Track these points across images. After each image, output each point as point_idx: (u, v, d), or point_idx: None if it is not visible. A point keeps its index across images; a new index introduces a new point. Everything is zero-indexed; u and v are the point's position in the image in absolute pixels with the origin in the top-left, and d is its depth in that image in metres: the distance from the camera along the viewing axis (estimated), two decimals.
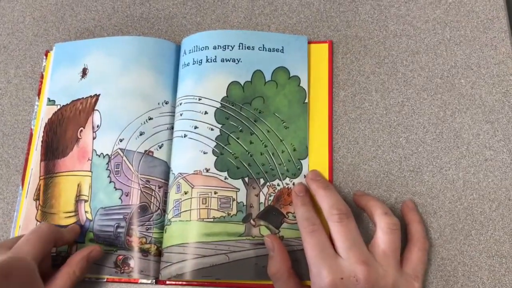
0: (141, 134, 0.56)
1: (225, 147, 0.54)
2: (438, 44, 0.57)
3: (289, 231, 0.53)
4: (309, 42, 0.58)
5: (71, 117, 0.58)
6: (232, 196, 0.53)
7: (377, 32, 0.59)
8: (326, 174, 0.54)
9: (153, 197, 0.54)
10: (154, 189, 0.55)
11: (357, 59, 0.58)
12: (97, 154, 0.56)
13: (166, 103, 0.57)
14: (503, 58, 0.56)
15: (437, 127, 0.54)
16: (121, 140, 0.56)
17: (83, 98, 0.59)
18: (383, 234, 0.47)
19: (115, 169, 0.55)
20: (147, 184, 0.55)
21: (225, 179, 0.54)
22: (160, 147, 0.56)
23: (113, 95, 0.58)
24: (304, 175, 0.54)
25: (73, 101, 0.59)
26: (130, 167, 0.55)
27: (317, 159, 0.55)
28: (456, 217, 0.52)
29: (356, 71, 0.57)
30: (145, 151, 0.55)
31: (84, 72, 0.60)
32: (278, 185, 0.54)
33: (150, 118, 0.56)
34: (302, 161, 0.54)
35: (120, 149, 0.56)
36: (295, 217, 0.52)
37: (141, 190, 0.54)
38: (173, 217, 0.53)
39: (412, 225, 0.50)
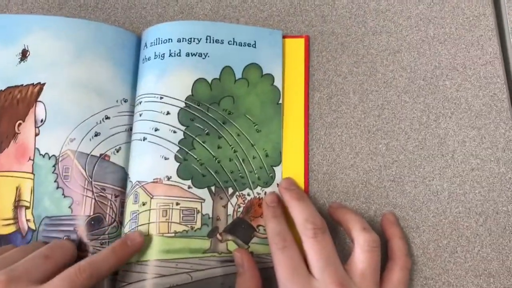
0: (96, 135, 0.47)
1: (189, 152, 0.46)
2: (421, 42, 0.50)
3: (260, 246, 0.46)
4: (284, 37, 0.51)
5: (6, 107, 0.48)
6: (196, 208, 0.46)
7: (355, 28, 0.51)
8: (301, 183, 0.47)
9: (108, 208, 0.46)
10: (109, 198, 0.46)
11: (333, 57, 0.50)
12: (40, 154, 0.47)
13: (125, 101, 0.49)
14: (490, 59, 0.49)
15: (420, 133, 0.48)
16: (71, 140, 0.47)
17: (22, 85, 0.49)
18: (362, 252, 0.41)
19: (64, 174, 0.46)
20: (101, 192, 0.46)
21: (188, 188, 0.46)
22: (117, 151, 0.48)
23: (61, 86, 0.48)
24: (277, 184, 0.47)
25: (8, 87, 0.49)
26: (83, 172, 0.46)
27: (291, 166, 0.47)
28: (441, 232, 0.45)
29: (332, 70, 0.50)
30: (101, 154, 0.47)
31: (24, 55, 0.50)
32: (249, 195, 0.47)
33: (107, 117, 0.48)
34: (275, 168, 0.47)
35: (71, 150, 0.47)
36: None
37: (95, 199, 0.46)
38: (130, 230, 0.45)
39: (393, 241, 0.44)
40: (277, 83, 0.49)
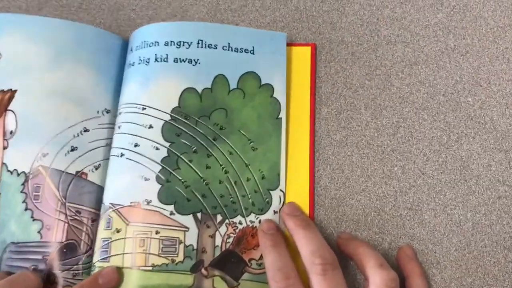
0: (72, 150, 0.41)
1: (173, 172, 0.40)
2: (440, 54, 0.45)
3: (252, 284, 0.39)
4: (288, 44, 0.45)
5: None
6: (178, 238, 0.40)
7: (368, 37, 0.46)
8: (306, 209, 0.41)
9: (83, 233, 0.40)
10: (85, 222, 0.40)
11: (343, 68, 0.45)
12: (8, 170, 0.41)
13: (107, 112, 0.43)
14: None
15: (440, 155, 0.42)
16: (44, 155, 0.41)
17: None
18: None
19: (34, 193, 0.40)
20: (76, 215, 0.40)
21: (170, 214, 0.40)
22: (96, 168, 0.42)
23: (35, 94, 0.42)
24: (274, 211, 0.41)
25: None
26: (56, 192, 0.40)
27: (295, 190, 0.42)
28: (464, 269, 0.40)
29: (341, 83, 0.44)
30: (77, 172, 0.41)
31: None
32: (240, 223, 0.41)
33: (86, 130, 0.42)
34: (272, 192, 0.41)
35: (43, 166, 0.41)
36: (260, 265, 0.39)
37: (68, 223, 0.40)
38: (98, 260, 0.39)
39: (412, 279, 0.38)
40: (278, 94, 0.43)
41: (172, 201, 0.40)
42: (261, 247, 0.39)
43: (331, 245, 0.38)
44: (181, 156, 0.41)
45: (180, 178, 0.40)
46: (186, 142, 0.41)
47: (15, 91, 0.42)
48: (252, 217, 0.41)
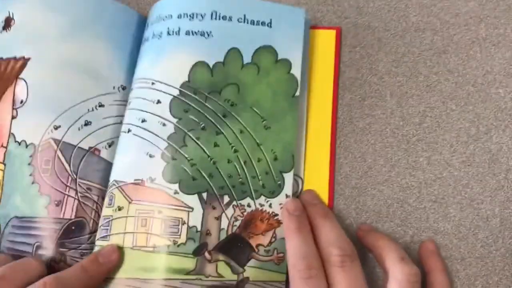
0: (86, 124, 0.40)
1: (179, 149, 0.38)
2: (470, 43, 0.43)
3: (258, 272, 0.37)
4: (312, 27, 0.43)
5: None
6: (181, 218, 0.37)
7: (395, 23, 0.44)
8: (325, 198, 0.39)
9: (93, 211, 0.38)
10: (95, 200, 0.39)
11: (368, 54, 0.43)
12: (16, 141, 0.39)
13: (123, 89, 0.42)
14: None
15: (468, 147, 0.40)
16: (56, 128, 0.39)
17: (1, 58, 0.41)
18: None
19: (44, 167, 0.38)
20: (87, 192, 0.39)
21: (174, 193, 0.37)
22: (109, 145, 0.40)
23: (49, 63, 0.40)
24: (286, 194, 0.38)
25: None
26: (66, 166, 0.38)
27: (314, 178, 0.40)
28: (491, 267, 0.38)
29: (367, 69, 0.43)
30: (90, 148, 0.39)
31: (8, 23, 0.42)
32: (249, 205, 0.38)
33: (101, 105, 0.40)
34: (285, 174, 0.39)
35: (54, 139, 0.39)
36: (268, 252, 0.37)
37: (78, 199, 0.38)
38: (99, 239, 0.37)
39: (434, 274, 0.36)
40: (295, 71, 0.40)
41: (177, 180, 0.38)
42: (284, 230, 0.37)
43: (350, 236, 0.37)
44: (189, 133, 0.38)
45: (186, 156, 0.38)
46: (194, 119, 0.39)
47: (28, 59, 0.40)
48: (262, 200, 0.38)
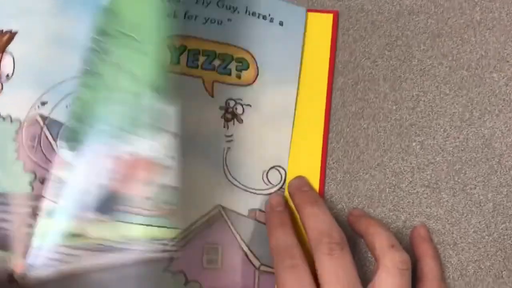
0: None
1: None
2: (465, 27, 0.42)
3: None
4: (308, 10, 0.42)
5: None
6: None
7: (389, 6, 0.43)
8: (316, 183, 0.39)
9: None
10: None
11: (361, 37, 0.42)
12: (1, 116, 0.38)
13: None
14: None
15: (461, 131, 0.40)
16: (43, 104, 0.38)
17: None
18: (388, 276, 0.32)
19: (29, 143, 0.38)
20: None
21: None
22: None
23: (37, 38, 0.39)
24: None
25: None
26: (53, 144, 0.38)
27: (304, 163, 0.39)
28: (483, 252, 0.38)
29: (360, 52, 0.42)
30: None
31: None
32: None
33: None
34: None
35: (41, 115, 0.38)
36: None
37: None
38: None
39: (424, 260, 0.36)
40: None
41: None
42: (267, 225, 0.37)
43: (342, 222, 0.36)
44: None
45: None
46: None
47: (15, 33, 0.39)
48: None
